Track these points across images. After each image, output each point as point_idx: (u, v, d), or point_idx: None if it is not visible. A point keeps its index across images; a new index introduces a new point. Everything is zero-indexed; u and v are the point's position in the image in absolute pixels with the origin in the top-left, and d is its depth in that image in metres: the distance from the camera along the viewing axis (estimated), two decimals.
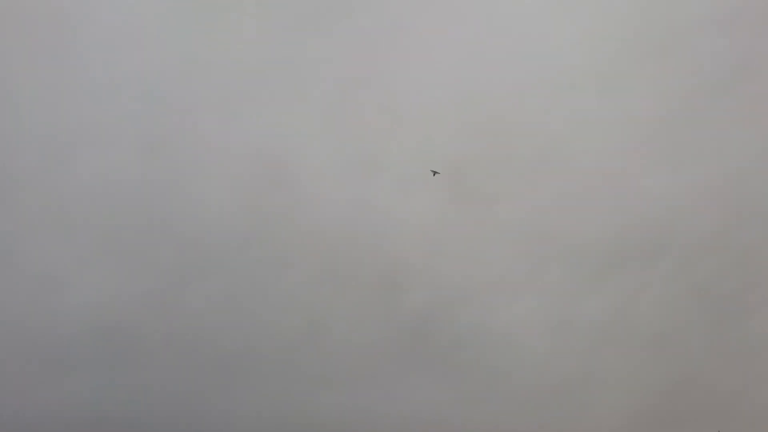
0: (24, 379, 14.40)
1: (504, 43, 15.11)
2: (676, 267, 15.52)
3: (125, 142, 15.32)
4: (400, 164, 15.97)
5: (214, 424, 15.02)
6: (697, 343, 15.10)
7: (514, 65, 15.59)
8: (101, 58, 15.39)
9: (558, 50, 15.47)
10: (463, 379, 15.57)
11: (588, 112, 15.70)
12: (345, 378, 15.82)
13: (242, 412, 15.05)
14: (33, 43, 14.40)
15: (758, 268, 15.04)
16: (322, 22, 15.26)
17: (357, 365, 15.65)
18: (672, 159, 15.36)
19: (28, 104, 14.73)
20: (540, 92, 15.73)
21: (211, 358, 15.22)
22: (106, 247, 15.29)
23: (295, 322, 15.46)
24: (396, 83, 15.70)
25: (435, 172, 13.44)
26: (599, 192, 15.72)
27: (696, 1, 13.93)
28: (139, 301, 15.84)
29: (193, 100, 15.15)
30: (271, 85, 15.69)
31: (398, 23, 14.79)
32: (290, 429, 15.18)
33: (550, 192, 15.72)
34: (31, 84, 14.61)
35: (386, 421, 15.24)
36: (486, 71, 15.49)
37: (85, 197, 15.55)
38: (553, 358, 15.72)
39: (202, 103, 15.23)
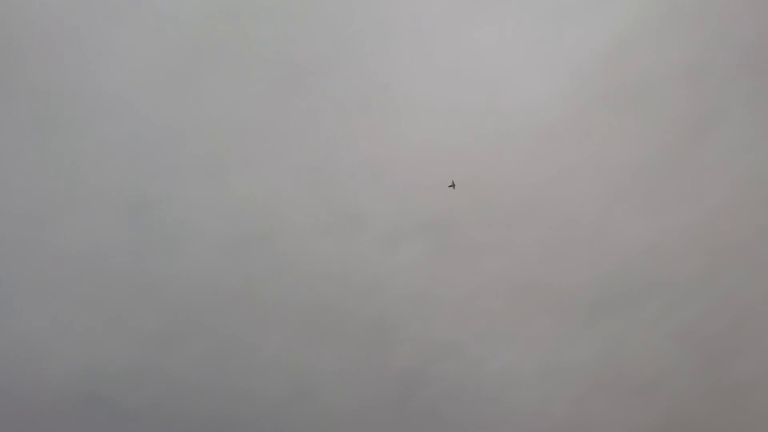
0: None
1: (484, 98, 15.28)
2: (661, 310, 15.56)
3: (107, 205, 15.05)
4: (384, 219, 15.91)
5: None
6: (685, 386, 15.09)
7: (494, 119, 15.78)
8: (83, 123, 15.29)
9: (536, 103, 15.68)
10: None
11: (567, 163, 15.89)
12: None
13: None
14: (14, 108, 14.28)
15: (741, 308, 15.13)
16: (306, 80, 15.34)
17: (345, 427, 15.28)
18: (651, 205, 15.55)
19: (8, 167, 14.52)
20: (520, 144, 15.91)
21: (194, 425, 14.73)
22: (87, 313, 14.87)
23: (280, 384, 15.03)
24: (379, 140, 15.76)
25: (452, 185, 13.47)
26: (582, 240, 15.82)
27: (665, 53, 14.33)
28: (121, 367, 15.32)
29: (176, 161, 14.99)
30: (254, 144, 15.63)
31: (381, 81, 14.87)
32: None
33: (533, 242, 15.76)
34: (12, 148, 14.44)
35: None
36: (466, 125, 15.62)
37: (66, 261, 15.17)
38: (543, 407, 15.54)
39: (185, 164, 15.08)
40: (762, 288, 14.25)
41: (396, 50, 14.71)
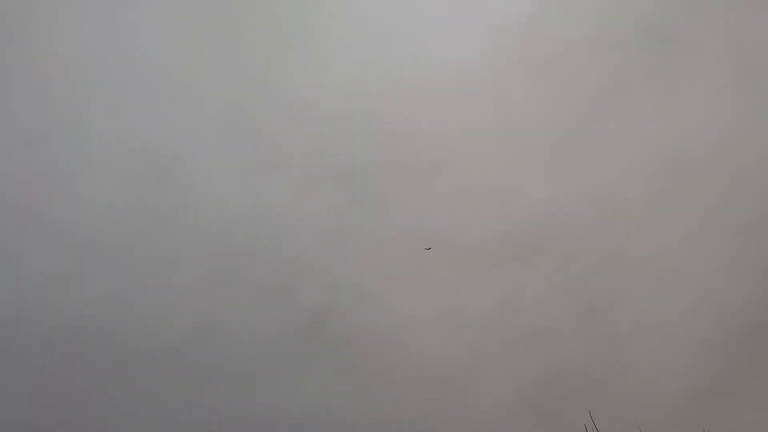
0: None
1: (405, 54, 15.18)
2: (552, 266, 16.33)
3: (4, 133, 14.01)
4: (298, 166, 15.68)
5: (97, 422, 14.21)
6: (570, 335, 15.98)
7: (413, 75, 15.74)
8: None
9: (455, 63, 15.76)
10: (355, 374, 15.64)
11: (479, 123, 16.17)
12: (237, 375, 15.44)
13: (127, 409, 14.31)
14: None
15: (624, 266, 16.12)
16: (223, 21, 14.62)
17: (249, 363, 15.31)
18: (553, 168, 16.13)
19: None
20: (435, 102, 16.01)
21: (94, 358, 14.33)
22: None
23: (185, 321, 14.82)
24: (295, 86, 15.37)
25: (428, 248, 13.27)
26: (486, 197, 16.27)
27: (576, 26, 14.65)
28: (18, 299, 14.64)
29: (78, 93, 14.04)
30: (166, 81, 14.86)
31: (299, 27, 14.42)
32: (179, 426, 14.67)
33: (440, 196, 16.07)
34: None
35: (278, 416, 15.08)
36: (386, 79, 15.50)
37: None
38: (442, 352, 16.15)
39: (87, 97, 14.16)
40: (644, 249, 15.19)
41: None
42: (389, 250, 17.22)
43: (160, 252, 15.80)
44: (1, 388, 13.92)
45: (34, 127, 14.61)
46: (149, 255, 15.67)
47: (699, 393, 12.32)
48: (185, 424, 14.13)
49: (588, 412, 6.43)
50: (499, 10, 15.20)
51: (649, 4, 13.72)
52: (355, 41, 16.96)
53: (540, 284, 17.21)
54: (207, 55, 16.56)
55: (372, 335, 16.60)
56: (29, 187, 15.01)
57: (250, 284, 16.80)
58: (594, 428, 6.24)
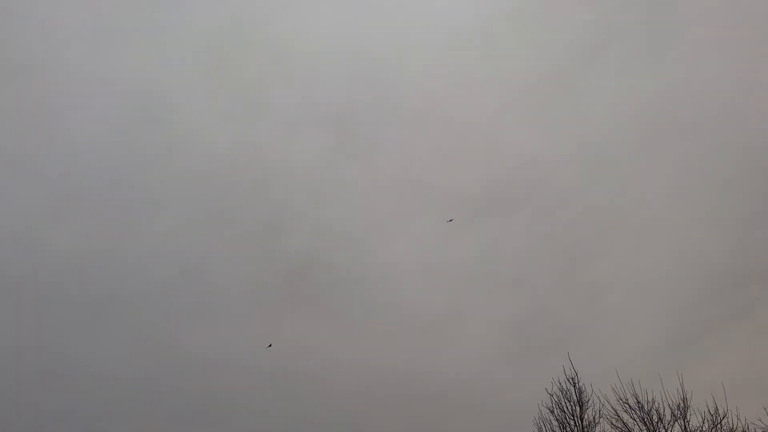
0: None
1: (393, 3, 14.81)
2: (535, 217, 16.43)
3: None
4: (287, 110, 15.39)
5: (82, 361, 14.15)
6: (549, 284, 16.22)
7: (402, 24, 15.38)
8: None
9: (444, 12, 15.42)
10: (340, 316, 15.78)
11: (469, 71, 15.94)
12: (222, 316, 15.49)
13: (112, 348, 14.26)
14: None
15: (604, 219, 16.28)
16: None
17: (235, 304, 15.33)
18: (540, 118, 16.04)
19: None
20: (427, 50, 15.71)
21: (78, 297, 14.20)
22: None
23: (170, 263, 14.72)
24: (286, 29, 14.92)
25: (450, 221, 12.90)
26: (472, 146, 16.18)
27: None
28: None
29: (60, 25, 13.44)
30: (155, 20, 14.29)
31: None
32: (163, 364, 14.72)
33: (427, 145, 15.96)
34: None
35: (263, 355, 15.18)
36: (378, 24, 15.13)
37: None
38: (425, 297, 16.32)
39: (70, 30, 13.57)
40: (626, 201, 15.18)
41: None
42: (375, 197, 17.17)
43: (145, 194, 15.56)
44: None
45: (13, 58, 13.99)
46: (134, 196, 15.43)
47: (674, 339, 12.64)
48: (170, 363, 14.20)
49: (566, 353, 6.61)
50: None
51: None
52: None
53: (522, 234, 17.37)
54: None
55: (356, 281, 16.69)
56: (8, 122, 14.51)
57: (235, 228, 16.67)
58: (572, 368, 6.45)
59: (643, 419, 6.09)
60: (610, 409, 6.29)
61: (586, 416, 6.43)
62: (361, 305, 16.35)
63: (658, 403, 6.10)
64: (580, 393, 6.51)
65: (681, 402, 6.03)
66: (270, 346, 11.24)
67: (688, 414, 6.00)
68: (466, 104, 16.13)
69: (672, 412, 6.02)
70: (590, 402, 6.45)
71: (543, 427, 6.58)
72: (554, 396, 6.60)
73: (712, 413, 5.86)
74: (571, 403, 6.48)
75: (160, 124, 14.35)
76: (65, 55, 13.27)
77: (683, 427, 5.98)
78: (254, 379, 15.16)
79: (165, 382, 14.45)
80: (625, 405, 6.22)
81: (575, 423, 6.42)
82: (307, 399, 14.40)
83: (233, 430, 13.74)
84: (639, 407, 6.14)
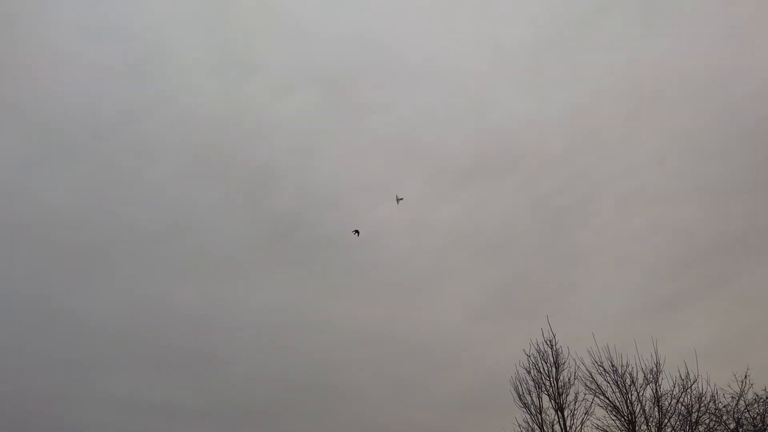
0: None
1: None
2: (521, 182, 16.40)
3: None
4: (277, 68, 15.03)
5: (68, 311, 14.09)
6: (532, 248, 16.30)
7: None
8: None
9: None
10: (326, 274, 15.81)
11: (462, 34, 15.62)
12: (209, 270, 15.44)
13: (97, 298, 14.20)
14: None
15: (589, 187, 16.29)
16: None
17: (222, 259, 15.29)
18: (531, 85, 15.84)
19: None
20: (419, 11, 15.34)
21: (65, 249, 14.06)
22: None
23: (157, 216, 14.57)
24: None
25: (399, 199, 12.56)
26: (464, 110, 15.99)
27: None
28: None
29: None
30: None
31: None
32: (151, 317, 14.73)
33: (418, 107, 15.72)
34: None
35: (250, 311, 15.25)
36: None
37: None
38: (411, 257, 16.38)
39: None
40: (611, 169, 15.15)
41: None
42: (365, 157, 17.01)
43: (134, 145, 15.30)
44: None
45: (0, 8, 13.46)
46: (122, 147, 15.17)
47: (651, 307, 12.82)
48: (157, 315, 14.23)
49: (546, 317, 6.69)
50: None
51: None
52: None
53: (508, 199, 17.37)
54: None
55: (343, 240, 16.64)
56: None
57: (224, 183, 16.51)
58: (550, 331, 6.54)
59: (617, 382, 6.20)
60: (585, 371, 6.40)
61: (561, 377, 6.53)
62: (347, 264, 16.38)
63: (632, 367, 6.21)
64: (557, 355, 6.61)
65: (654, 367, 6.14)
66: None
67: (660, 378, 6.11)
68: (459, 68, 15.89)
69: (645, 376, 6.13)
70: (566, 364, 6.56)
71: (519, 386, 6.69)
72: (532, 357, 6.70)
73: (683, 378, 5.97)
74: (548, 365, 6.58)
75: (150, 76, 14.04)
76: (54, 5, 12.84)
77: (655, 391, 6.09)
78: (241, 334, 15.27)
79: (152, 333, 14.50)
80: (600, 368, 6.33)
81: (551, 383, 6.52)
82: (291, 353, 14.54)
83: (218, 382, 13.91)
84: (613, 371, 6.24)
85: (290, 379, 13.78)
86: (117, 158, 13.85)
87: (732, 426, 5.73)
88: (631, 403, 6.15)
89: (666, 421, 5.99)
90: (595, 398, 6.31)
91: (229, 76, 14.57)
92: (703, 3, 14.90)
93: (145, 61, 13.90)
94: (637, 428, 6.11)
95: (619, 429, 6.21)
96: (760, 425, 5.65)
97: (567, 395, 6.48)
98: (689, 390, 5.94)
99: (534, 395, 6.62)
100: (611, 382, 6.25)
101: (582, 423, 6.38)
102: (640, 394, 6.13)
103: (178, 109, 14.14)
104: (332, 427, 12.77)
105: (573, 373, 6.48)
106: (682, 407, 5.93)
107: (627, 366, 6.23)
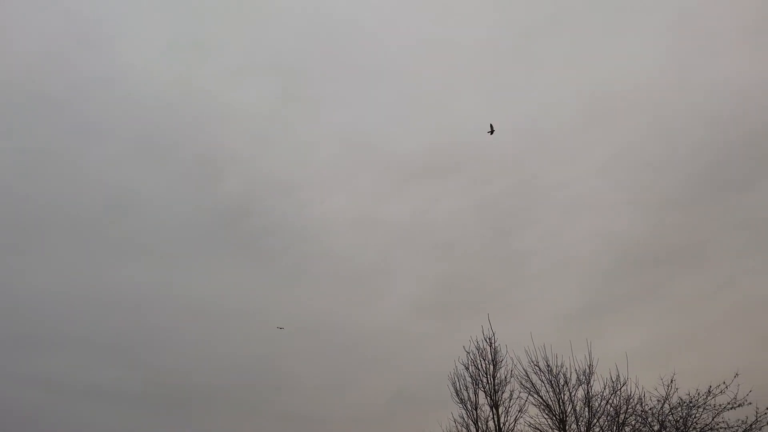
0: None
1: None
2: (470, 184, 16.58)
3: None
4: (235, 53, 14.63)
5: (5, 292, 13.38)
6: (477, 249, 16.51)
7: None
8: None
9: None
10: (271, 264, 15.59)
11: (422, 35, 15.63)
12: (150, 254, 14.96)
13: (35, 278, 13.56)
14: None
15: (533, 192, 16.61)
16: None
17: (164, 243, 14.83)
18: (486, 90, 16.01)
19: None
20: (380, 10, 15.25)
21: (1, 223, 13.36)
22: None
23: (100, 195, 14.01)
24: None
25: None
26: (419, 110, 16.03)
27: None
28: None
29: None
30: None
31: None
32: (90, 299, 14.17)
33: (376, 103, 15.66)
34: None
35: (190, 296, 14.87)
36: None
37: None
38: (356, 251, 16.33)
39: None
40: (557, 177, 15.45)
41: None
42: (317, 149, 16.83)
43: (79, 119, 14.60)
44: None
45: None
46: (66, 122, 14.46)
47: (587, 310, 13.17)
48: (96, 297, 13.67)
49: (487, 315, 6.77)
50: None
51: None
52: None
53: (456, 199, 17.53)
54: None
55: (292, 230, 16.47)
56: None
57: (171, 166, 15.99)
58: (490, 329, 6.61)
59: (551, 382, 6.26)
60: (522, 370, 6.45)
61: (498, 375, 6.58)
62: (294, 254, 16.21)
63: (566, 368, 6.27)
64: (495, 353, 6.65)
65: (587, 368, 6.20)
66: (281, 328, 10.92)
67: (592, 380, 6.18)
68: (418, 67, 15.93)
69: (578, 377, 6.20)
70: (504, 362, 6.61)
71: (457, 381, 6.74)
72: (471, 354, 6.73)
73: (613, 380, 6.06)
74: (486, 362, 6.62)
75: (100, 50, 13.40)
76: None
77: (586, 392, 6.16)
78: (180, 319, 14.86)
79: (89, 315, 13.94)
80: (536, 367, 6.37)
81: (488, 380, 6.57)
82: (229, 341, 14.26)
83: (154, 366, 13.51)
84: (548, 370, 6.29)
85: (227, 366, 13.52)
86: (60, 132, 13.22)
87: (656, 428, 5.88)
88: (563, 403, 6.22)
89: (595, 421, 6.09)
90: (530, 396, 6.37)
91: (184, 57, 14.12)
92: (655, 22, 15.38)
93: (95, 38, 13.30)
94: (567, 427, 6.19)
95: (550, 427, 6.28)
96: (682, 428, 5.82)
97: (503, 392, 6.53)
98: (619, 392, 6.04)
99: (471, 391, 6.68)
100: (545, 382, 6.31)
101: (515, 420, 6.45)
102: (573, 394, 6.21)
103: (126, 88, 13.59)
104: (266, 416, 12.64)
105: (510, 372, 6.55)
106: (611, 408, 6.03)
107: (561, 366, 6.30)
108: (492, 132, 9.91)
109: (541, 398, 6.35)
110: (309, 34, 15.15)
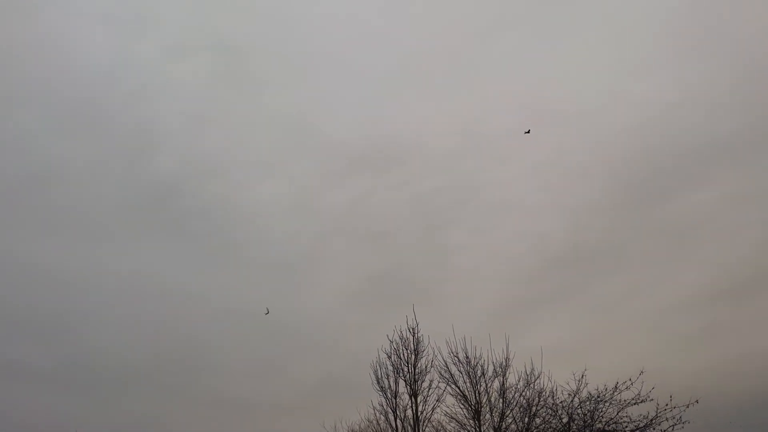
0: None
1: None
2: (406, 178, 16.69)
3: None
4: (175, 28, 14.07)
5: None
6: (409, 242, 16.63)
7: None
8: None
9: None
10: (201, 246, 15.17)
11: (369, 28, 15.55)
12: (74, 229, 14.26)
13: None
14: None
15: (467, 192, 16.89)
16: None
17: (90, 218, 14.17)
18: (431, 88, 16.11)
19: None
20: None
21: None
22: None
23: (17, 166, 13.19)
24: None
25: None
26: (361, 100, 15.96)
27: None
28: None
29: None
30: None
31: None
32: (5, 271, 13.34)
33: (321, 90, 15.49)
34: None
35: (114, 275, 14.26)
36: None
37: None
38: (291, 237, 16.13)
39: None
40: (487, 178, 15.74)
41: None
42: (256, 132, 16.48)
43: (5, 87, 13.67)
44: None
45: None
46: None
47: (508, 306, 13.51)
48: (10, 270, 12.89)
49: (412, 306, 6.91)
50: None
51: None
52: None
53: (392, 192, 17.59)
54: None
55: (223, 212, 16.07)
56: None
57: (101, 139, 15.25)
58: (414, 319, 6.74)
59: (468, 373, 6.42)
60: (442, 360, 6.59)
61: (419, 365, 6.69)
62: (225, 239, 15.83)
63: (485, 360, 6.45)
64: (417, 343, 6.75)
65: (504, 361, 6.41)
66: (267, 312, 10.52)
67: (508, 372, 6.38)
68: (361, 58, 15.86)
69: (494, 369, 6.40)
70: (425, 352, 6.73)
71: (379, 370, 6.81)
72: (394, 343, 6.81)
73: (528, 373, 6.26)
74: (408, 351, 6.72)
75: (24, 17, 12.60)
76: None
77: (501, 383, 6.36)
78: (102, 298, 14.24)
79: (4, 288, 13.15)
80: (455, 358, 6.52)
81: (409, 370, 6.67)
82: (153, 323, 13.79)
83: (73, 344, 12.90)
84: (467, 362, 6.46)
85: (149, 348, 13.07)
86: None
87: (565, 420, 6.12)
88: (479, 393, 6.39)
89: (508, 411, 6.28)
90: (448, 386, 6.52)
91: (121, 29, 13.50)
92: (600, 33, 15.86)
93: (24, 4, 12.53)
94: (481, 417, 6.36)
95: (465, 417, 6.44)
96: (589, 421, 6.08)
97: (422, 382, 6.65)
98: (532, 385, 6.25)
99: (392, 380, 6.76)
100: (464, 373, 6.47)
101: (433, 409, 6.59)
102: (489, 385, 6.38)
103: (54, 55, 12.86)
104: (187, 399, 12.33)
105: (430, 362, 6.67)
106: (524, 400, 6.23)
107: (480, 358, 6.47)
108: (528, 132, 10.90)
109: (459, 388, 6.52)
110: (256, 14, 14.84)
